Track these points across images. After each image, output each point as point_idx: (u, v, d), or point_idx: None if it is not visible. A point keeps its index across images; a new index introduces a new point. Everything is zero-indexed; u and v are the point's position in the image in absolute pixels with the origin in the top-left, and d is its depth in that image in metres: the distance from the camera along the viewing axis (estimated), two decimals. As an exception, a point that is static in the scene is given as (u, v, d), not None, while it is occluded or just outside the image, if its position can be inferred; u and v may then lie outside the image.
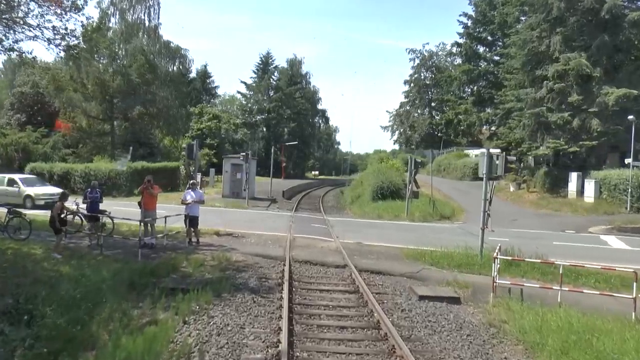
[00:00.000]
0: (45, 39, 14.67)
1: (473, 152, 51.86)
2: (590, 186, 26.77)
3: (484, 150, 13.80)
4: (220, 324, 8.03)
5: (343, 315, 8.83)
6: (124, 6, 41.90)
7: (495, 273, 10.01)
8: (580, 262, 10.94)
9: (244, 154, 29.21)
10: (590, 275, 11.62)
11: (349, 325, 8.28)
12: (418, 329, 8.31)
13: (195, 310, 8.68)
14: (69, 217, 15.54)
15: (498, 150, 22.27)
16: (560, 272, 9.66)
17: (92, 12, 48.67)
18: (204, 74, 78.79)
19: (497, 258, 10.04)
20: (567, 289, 9.65)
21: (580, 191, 27.91)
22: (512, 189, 34.55)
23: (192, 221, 14.59)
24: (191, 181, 16.14)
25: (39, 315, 8.19)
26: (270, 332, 7.73)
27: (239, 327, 7.92)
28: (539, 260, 10.96)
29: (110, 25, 41.59)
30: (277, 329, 7.81)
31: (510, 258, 11.13)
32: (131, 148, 37.37)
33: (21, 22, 14.40)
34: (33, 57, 15.03)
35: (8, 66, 64.85)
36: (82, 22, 14.11)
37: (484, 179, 13.32)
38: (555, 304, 9.70)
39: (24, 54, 14.44)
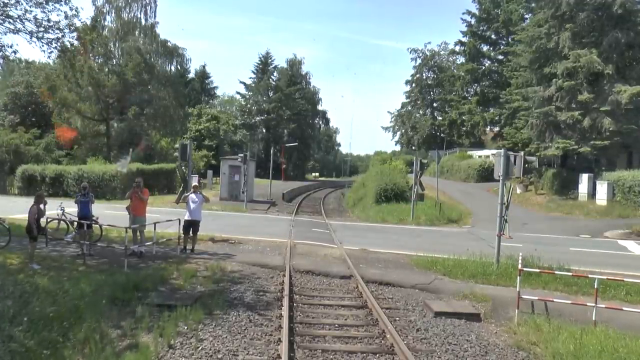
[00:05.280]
0: (27, 32, 13.70)
1: (477, 153, 50.91)
2: (602, 188, 25.67)
3: (493, 151, 12.80)
4: (210, 349, 6.97)
5: (351, 337, 7.78)
6: (120, 4, 41.06)
7: (519, 288, 8.93)
8: (611, 272, 9.90)
9: (242, 155, 28.17)
10: (620, 287, 10.54)
11: (358, 349, 7.22)
12: (438, 354, 7.25)
13: (183, 332, 7.63)
14: (54, 222, 14.59)
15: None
16: (596, 286, 8.59)
17: (87, 9, 47.66)
18: (203, 75, 77.84)
19: (522, 271, 8.96)
20: (603, 305, 8.58)
21: (592, 193, 26.81)
22: (518, 190, 33.45)
23: (193, 226, 13.53)
24: (194, 184, 15.08)
25: (6, 336, 7.17)
26: (268, 360, 6.69)
27: (232, 353, 6.85)
28: (571, 273, 9.87)
29: (106, 23, 40.78)
30: (276, 356, 6.76)
31: (537, 270, 10.04)
32: (131, 150, 36.38)
33: (0, 13, 13.41)
34: (14, 51, 14.02)
35: (6, 68, 63.93)
36: (65, 12, 13.04)
37: (500, 181, 12.28)
38: (587, 320, 8.67)
39: (3, 47, 13.41)
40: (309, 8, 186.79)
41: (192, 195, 13.75)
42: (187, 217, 13.53)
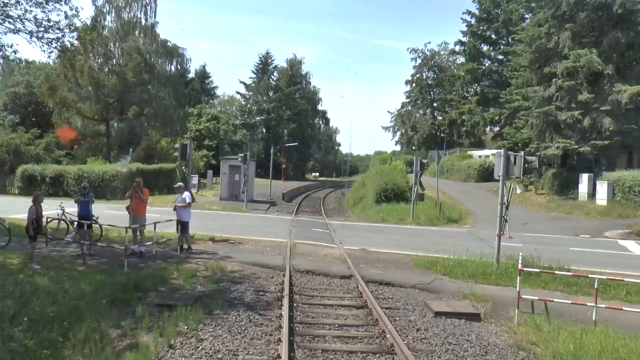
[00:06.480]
0: (28, 32, 13.69)
1: (477, 153, 50.89)
2: (602, 188, 25.64)
3: (493, 151, 12.82)
4: (210, 349, 6.97)
5: (351, 336, 7.78)
6: (120, 4, 41.09)
7: (519, 288, 8.93)
8: (611, 272, 9.90)
9: (242, 155, 28.16)
10: (620, 287, 10.54)
11: (358, 349, 7.22)
12: (438, 354, 7.24)
13: (183, 332, 7.63)
14: (54, 222, 14.59)
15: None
16: (596, 286, 8.59)
17: (87, 9, 47.73)
18: (203, 74, 77.78)
19: (522, 271, 8.96)
20: (603, 305, 8.58)
21: (592, 193, 26.78)
22: (518, 190, 33.44)
23: (181, 226, 13.59)
24: (177, 184, 15.10)
25: (6, 336, 7.17)
26: (268, 360, 6.68)
27: (232, 353, 6.85)
28: (571, 273, 9.87)
29: (106, 23, 40.81)
30: (276, 356, 6.76)
31: (537, 270, 10.04)
32: (131, 150, 36.39)
33: (0, 13, 13.41)
34: (14, 51, 14.01)
35: (6, 68, 63.94)
36: (65, 12, 13.05)
37: (500, 181, 12.29)
38: (587, 320, 8.67)
39: (3, 47, 13.41)
40: (309, 8, 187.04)
41: (177, 196, 13.87)
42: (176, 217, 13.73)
